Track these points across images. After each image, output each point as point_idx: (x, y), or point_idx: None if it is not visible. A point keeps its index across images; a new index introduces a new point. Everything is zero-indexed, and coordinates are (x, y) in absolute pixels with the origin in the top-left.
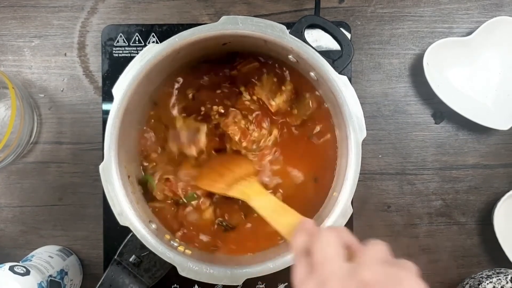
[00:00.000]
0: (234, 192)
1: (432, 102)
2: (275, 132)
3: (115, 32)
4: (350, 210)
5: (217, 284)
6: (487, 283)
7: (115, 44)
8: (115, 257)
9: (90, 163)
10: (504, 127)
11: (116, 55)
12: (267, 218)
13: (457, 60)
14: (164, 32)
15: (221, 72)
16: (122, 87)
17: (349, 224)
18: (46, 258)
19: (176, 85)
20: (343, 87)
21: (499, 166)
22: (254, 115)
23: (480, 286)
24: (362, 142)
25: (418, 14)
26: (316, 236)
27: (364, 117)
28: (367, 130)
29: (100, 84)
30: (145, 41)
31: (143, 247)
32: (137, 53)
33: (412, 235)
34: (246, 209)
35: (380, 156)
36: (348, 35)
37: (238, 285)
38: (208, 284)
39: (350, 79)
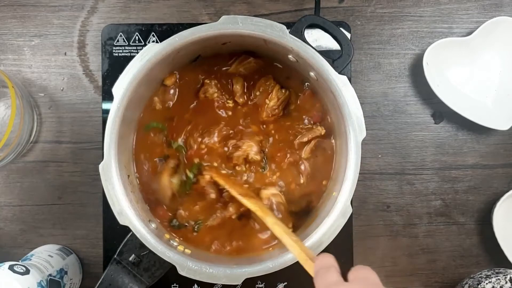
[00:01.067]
0: (252, 204)
1: (432, 102)
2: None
3: (115, 32)
4: (349, 210)
5: (217, 283)
6: (486, 283)
7: (115, 44)
8: (115, 256)
9: (89, 162)
10: (503, 127)
11: (116, 54)
12: (281, 239)
13: (457, 60)
14: (164, 31)
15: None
16: (122, 86)
17: (349, 224)
18: (45, 257)
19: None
20: (342, 87)
21: (499, 166)
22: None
23: (479, 286)
24: (361, 142)
25: (418, 14)
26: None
27: (364, 117)
28: (366, 130)
29: (100, 83)
30: (145, 40)
31: (142, 246)
32: (137, 53)
33: (412, 235)
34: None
35: (379, 156)
36: (348, 35)
37: (237, 285)
38: (207, 283)
39: (349, 79)
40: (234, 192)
